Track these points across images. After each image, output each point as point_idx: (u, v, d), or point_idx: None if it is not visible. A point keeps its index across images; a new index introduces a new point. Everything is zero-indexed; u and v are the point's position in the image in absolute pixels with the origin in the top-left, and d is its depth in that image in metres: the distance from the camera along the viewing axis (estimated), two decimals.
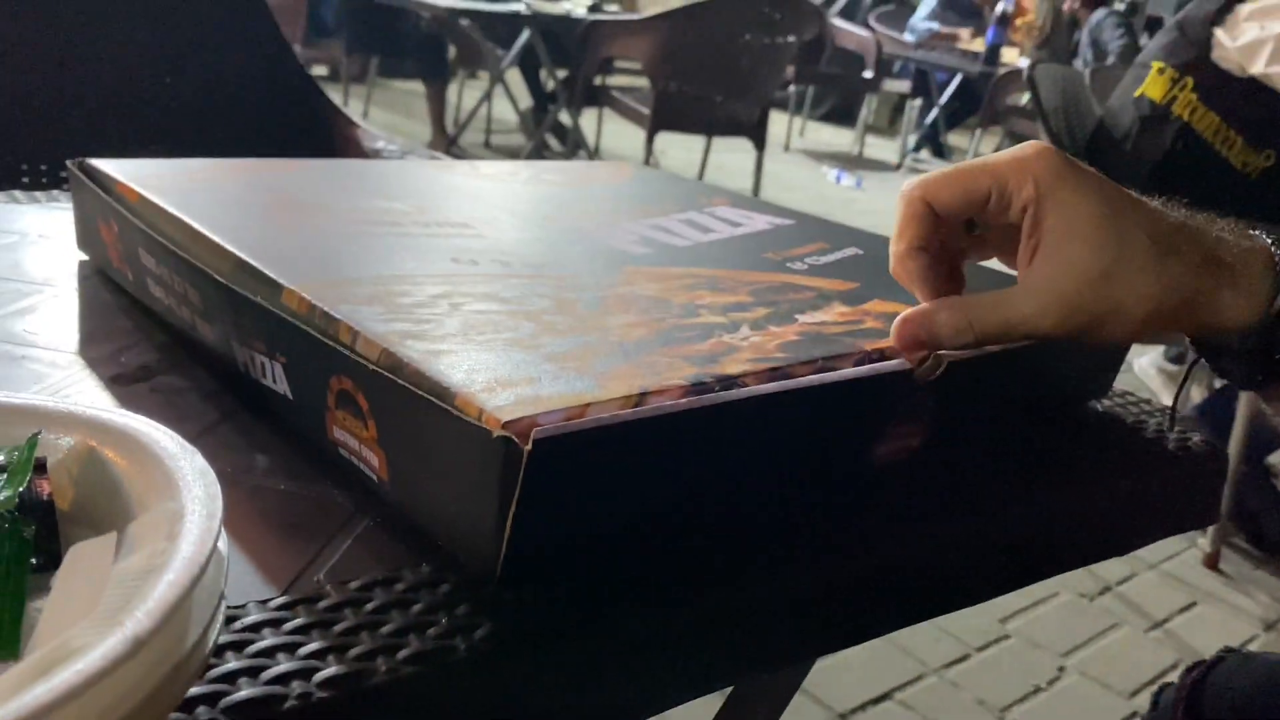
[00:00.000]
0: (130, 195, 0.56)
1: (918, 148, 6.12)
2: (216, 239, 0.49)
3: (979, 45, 5.18)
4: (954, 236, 0.45)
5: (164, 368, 0.50)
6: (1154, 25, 6.71)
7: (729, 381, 0.40)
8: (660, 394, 0.38)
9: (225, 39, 1.34)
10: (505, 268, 0.51)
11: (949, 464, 0.50)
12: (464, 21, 3.92)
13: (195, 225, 0.51)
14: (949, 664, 1.58)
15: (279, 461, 0.42)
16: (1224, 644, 1.94)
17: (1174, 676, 1.73)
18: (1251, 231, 0.44)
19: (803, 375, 0.42)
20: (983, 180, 0.42)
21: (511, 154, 4.56)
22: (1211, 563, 1.98)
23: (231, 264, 0.47)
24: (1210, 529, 2.00)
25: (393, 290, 0.45)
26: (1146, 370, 2.82)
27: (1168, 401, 2.45)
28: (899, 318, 0.43)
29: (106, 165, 0.60)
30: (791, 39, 3.48)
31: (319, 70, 6.05)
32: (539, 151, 4.55)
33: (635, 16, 4.03)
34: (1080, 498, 0.52)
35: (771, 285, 0.55)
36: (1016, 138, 5.41)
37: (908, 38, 5.58)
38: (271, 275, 0.45)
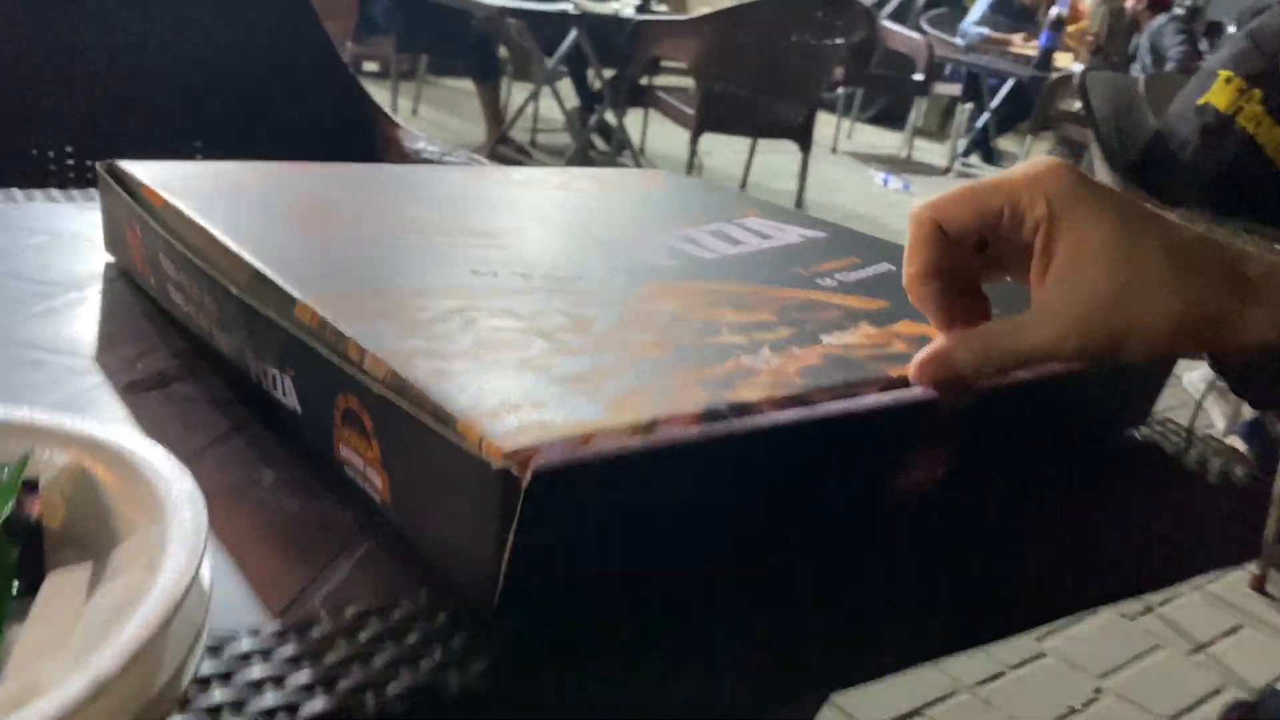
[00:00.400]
0: (155, 200, 0.56)
1: (967, 152, 6.04)
2: (235, 248, 0.48)
3: (1032, 49, 5.11)
4: (967, 258, 0.43)
5: (180, 375, 0.49)
6: (1213, 30, 6.57)
7: (743, 408, 0.39)
8: (670, 421, 0.37)
9: (270, 39, 1.35)
10: (525, 280, 0.50)
11: (977, 494, 0.48)
12: (512, 21, 3.93)
13: (215, 233, 0.50)
14: (982, 681, 1.55)
15: (286, 477, 0.42)
16: (1270, 669, 1.88)
17: (1216, 702, 1.69)
18: (1278, 245, 0.42)
19: (822, 403, 0.41)
20: (994, 198, 0.41)
21: (557, 153, 4.57)
22: (1258, 585, 1.93)
23: (248, 274, 0.47)
24: None
25: (408, 304, 0.45)
26: (1195, 384, 2.75)
27: (1217, 417, 2.39)
28: (915, 360, 0.42)
29: (134, 168, 0.60)
30: (840, 41, 3.45)
31: (370, 66, 6.10)
32: (584, 151, 4.55)
33: (682, 17, 4.01)
34: (1115, 530, 0.50)
35: (797, 303, 0.53)
36: (1068, 144, 5.33)
37: (958, 42, 5.51)
38: (286, 288, 0.44)
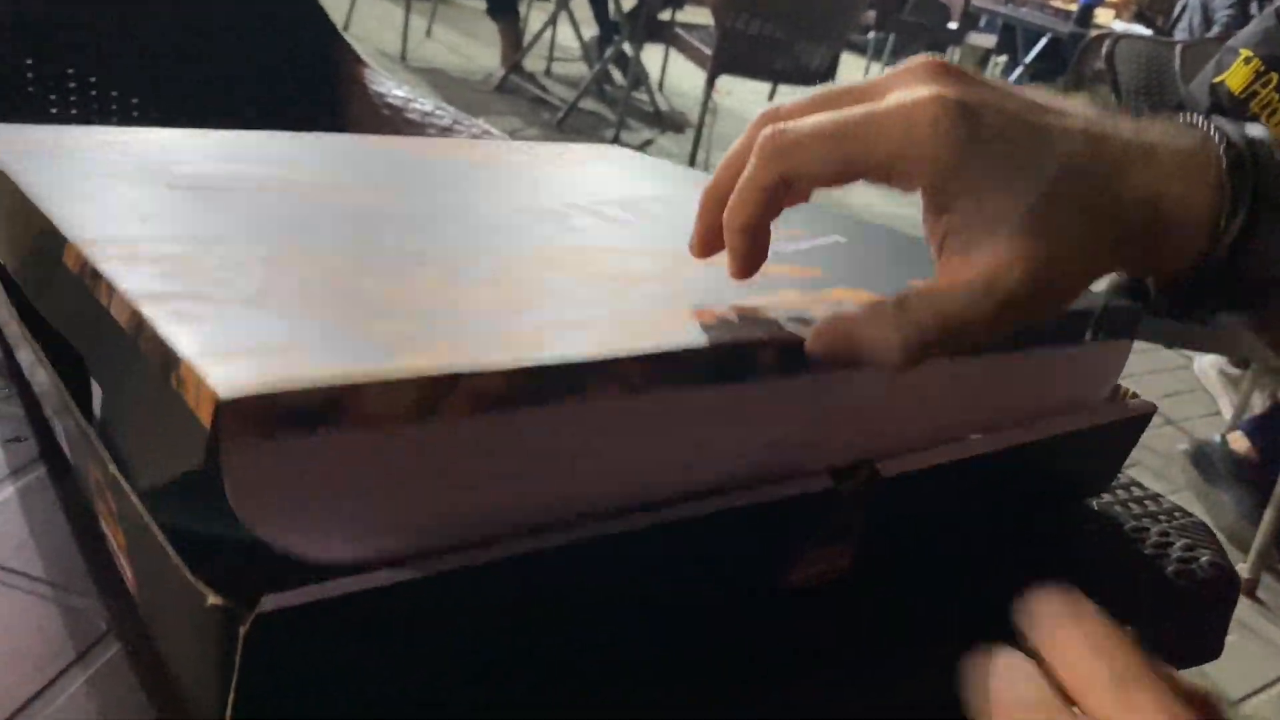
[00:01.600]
0: None
1: None
2: (36, 200, 0.40)
3: (1072, 4, 4.92)
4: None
5: None
6: None
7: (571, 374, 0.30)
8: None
9: None
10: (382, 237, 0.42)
11: (888, 589, 0.41)
12: None
13: (24, 188, 0.42)
14: None
15: (50, 550, 0.35)
16: (1256, 681, 1.82)
17: None
18: (1208, 134, 0.36)
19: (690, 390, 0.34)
20: (860, 148, 0.33)
21: (572, 84, 4.44)
22: (1249, 590, 1.86)
23: (40, 224, 0.39)
24: (1252, 552, 1.88)
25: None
26: (1206, 371, 2.67)
27: (1225, 406, 2.29)
28: (814, 329, 0.34)
29: None
30: None
31: None
32: (600, 82, 4.41)
33: None
34: None
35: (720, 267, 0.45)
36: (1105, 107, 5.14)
37: None
38: (62, 229, 0.35)
